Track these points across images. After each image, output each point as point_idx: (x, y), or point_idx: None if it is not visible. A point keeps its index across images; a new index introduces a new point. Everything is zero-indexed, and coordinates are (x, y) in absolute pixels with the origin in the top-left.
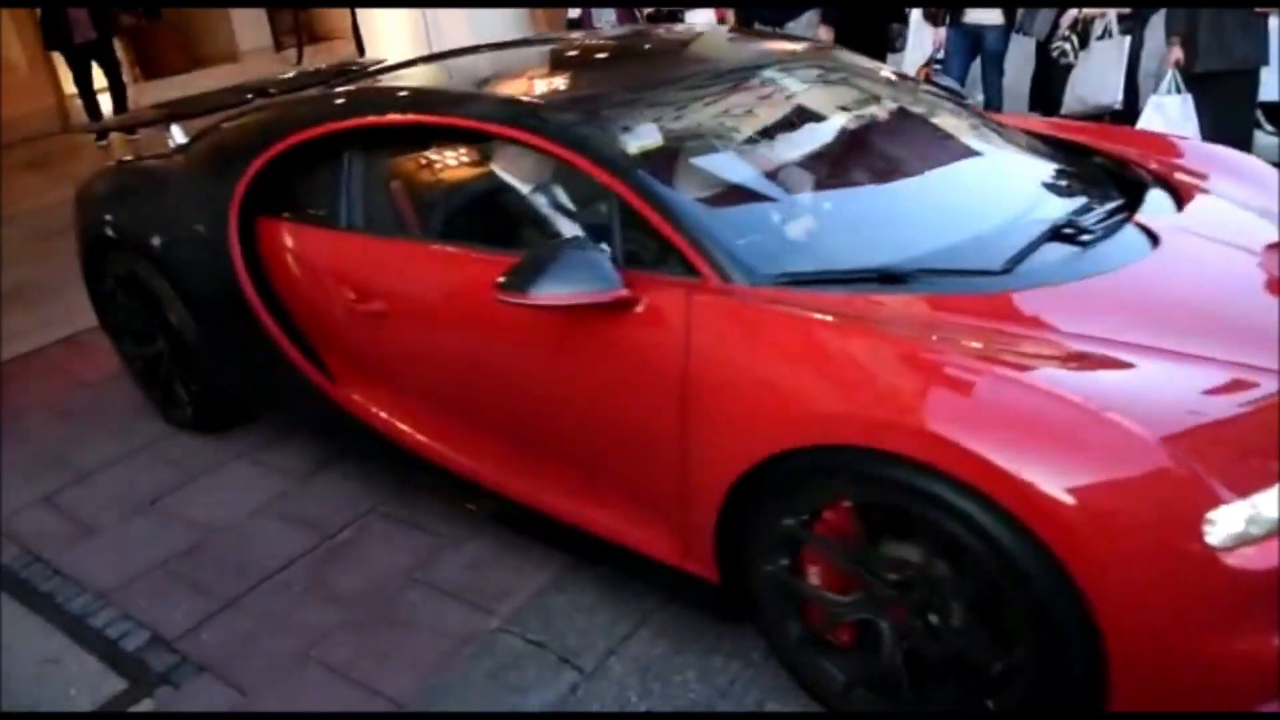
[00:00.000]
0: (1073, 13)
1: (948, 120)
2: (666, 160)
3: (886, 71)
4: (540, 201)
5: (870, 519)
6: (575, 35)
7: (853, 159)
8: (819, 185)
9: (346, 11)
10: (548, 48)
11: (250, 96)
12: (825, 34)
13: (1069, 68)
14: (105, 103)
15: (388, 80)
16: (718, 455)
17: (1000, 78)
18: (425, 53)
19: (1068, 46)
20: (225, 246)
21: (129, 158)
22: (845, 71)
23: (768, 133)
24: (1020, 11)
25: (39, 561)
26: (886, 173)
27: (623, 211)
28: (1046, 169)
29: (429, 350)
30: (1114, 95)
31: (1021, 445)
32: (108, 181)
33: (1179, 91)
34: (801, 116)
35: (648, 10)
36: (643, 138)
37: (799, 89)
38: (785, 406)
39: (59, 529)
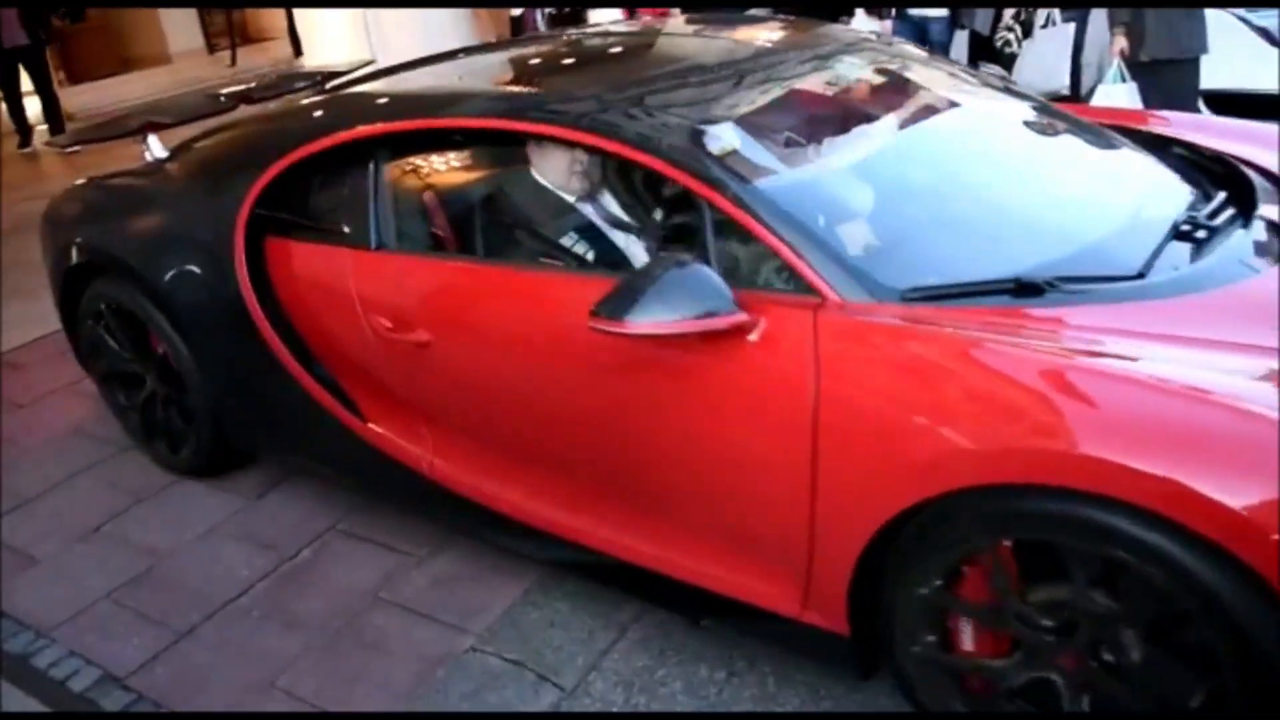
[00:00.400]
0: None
1: (1031, 113)
2: (764, 165)
3: (946, 61)
4: (612, 214)
5: (1016, 562)
6: (589, 30)
7: (956, 157)
8: (930, 187)
9: (281, 12)
10: (564, 45)
11: (227, 102)
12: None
13: (1013, 57)
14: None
15: (401, 84)
16: (856, 500)
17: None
18: (366, 54)
19: (1011, 36)
20: (230, 271)
21: (99, 174)
22: (911, 61)
23: (865, 131)
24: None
25: None
26: (994, 171)
27: (716, 223)
28: (1143, 162)
29: (486, 385)
30: (1062, 80)
31: (1214, 465)
32: (82, 201)
33: (1124, 80)
34: (893, 112)
35: (549, 10)
36: (734, 141)
37: (878, 81)
38: (936, 444)
39: None
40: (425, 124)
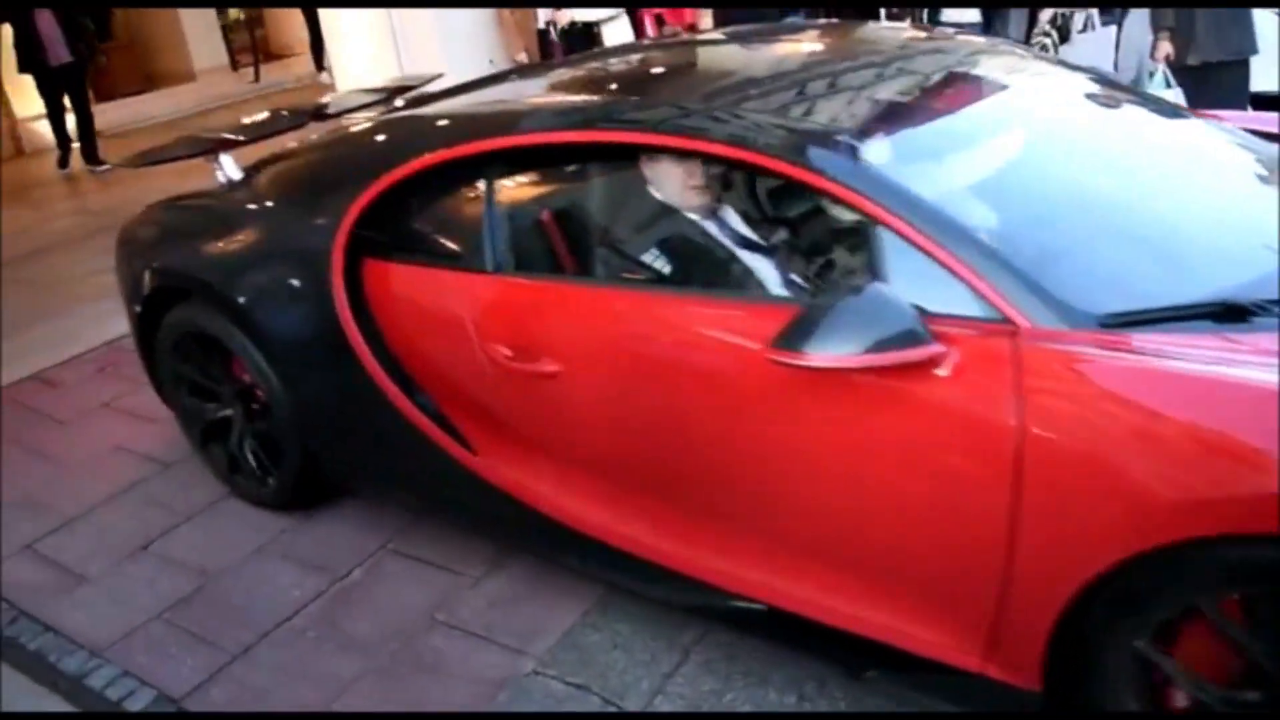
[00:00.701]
0: (1049, 11)
1: (1188, 122)
2: (932, 179)
3: (1072, 65)
4: (757, 235)
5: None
6: (671, 40)
7: (1130, 168)
8: (1109, 201)
9: (302, 29)
10: (660, 53)
11: (300, 120)
12: None
13: None
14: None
15: (498, 99)
16: (1063, 551)
17: None
18: (393, 69)
19: (1048, 41)
20: (325, 295)
21: (173, 195)
22: (1050, 68)
23: (1028, 141)
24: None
25: (25, 617)
26: (1174, 183)
27: (881, 244)
28: None
29: (622, 419)
30: None
31: None
32: (160, 224)
33: (1169, 86)
34: (1052, 120)
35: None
36: (895, 153)
37: (1024, 87)
38: (1156, 490)
39: (44, 580)
40: (544, 139)
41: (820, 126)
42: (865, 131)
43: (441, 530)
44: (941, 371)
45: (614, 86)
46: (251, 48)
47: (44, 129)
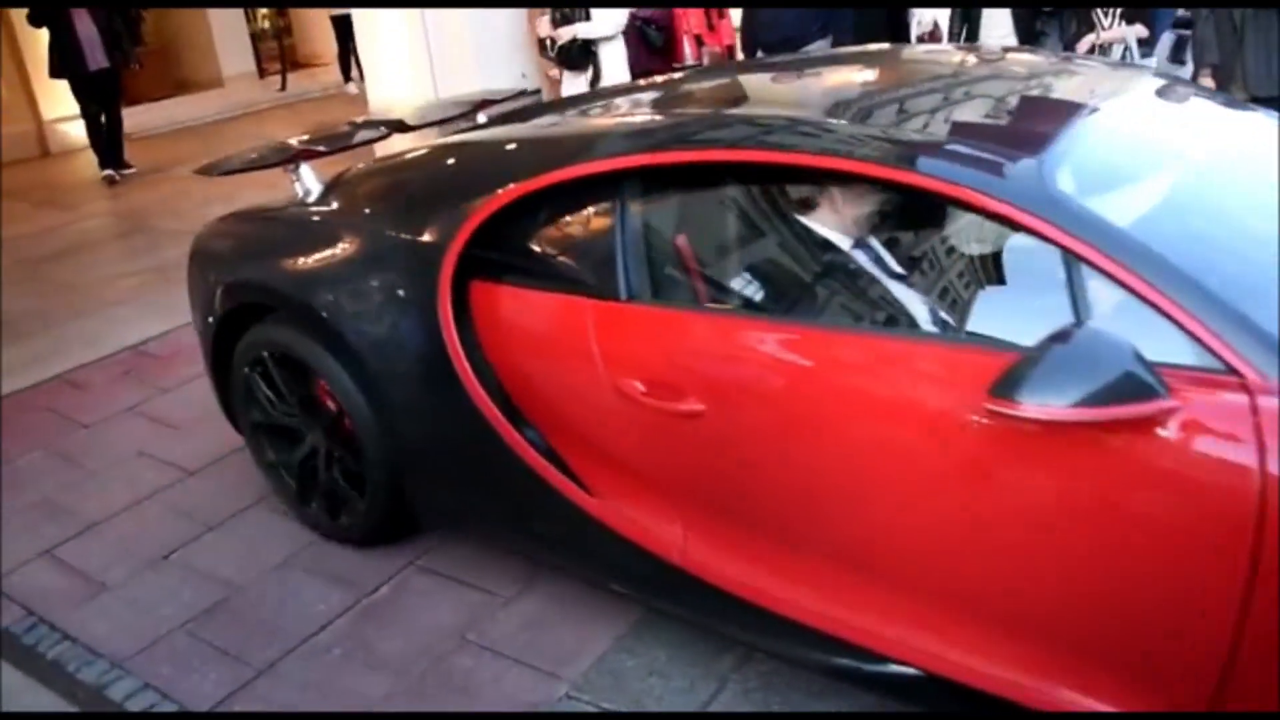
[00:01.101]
0: (1089, 39)
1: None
2: (1133, 212)
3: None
4: (947, 270)
5: None
6: (799, 57)
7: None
8: None
9: (330, 39)
10: (796, 70)
11: (385, 131)
12: None
13: None
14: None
15: (620, 112)
16: None
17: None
18: (426, 82)
19: None
20: (428, 318)
21: (255, 206)
22: (1182, 92)
23: (1197, 167)
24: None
25: (43, 624)
26: None
27: (1086, 284)
28: None
29: (777, 466)
30: None
31: None
32: (238, 237)
33: None
34: (1211, 144)
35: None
36: (1093, 185)
37: (1173, 112)
38: None
39: (64, 586)
40: (689, 157)
41: (1007, 154)
42: (1053, 158)
43: (471, 548)
44: (1169, 428)
45: (749, 106)
46: (279, 56)
47: (71, 130)
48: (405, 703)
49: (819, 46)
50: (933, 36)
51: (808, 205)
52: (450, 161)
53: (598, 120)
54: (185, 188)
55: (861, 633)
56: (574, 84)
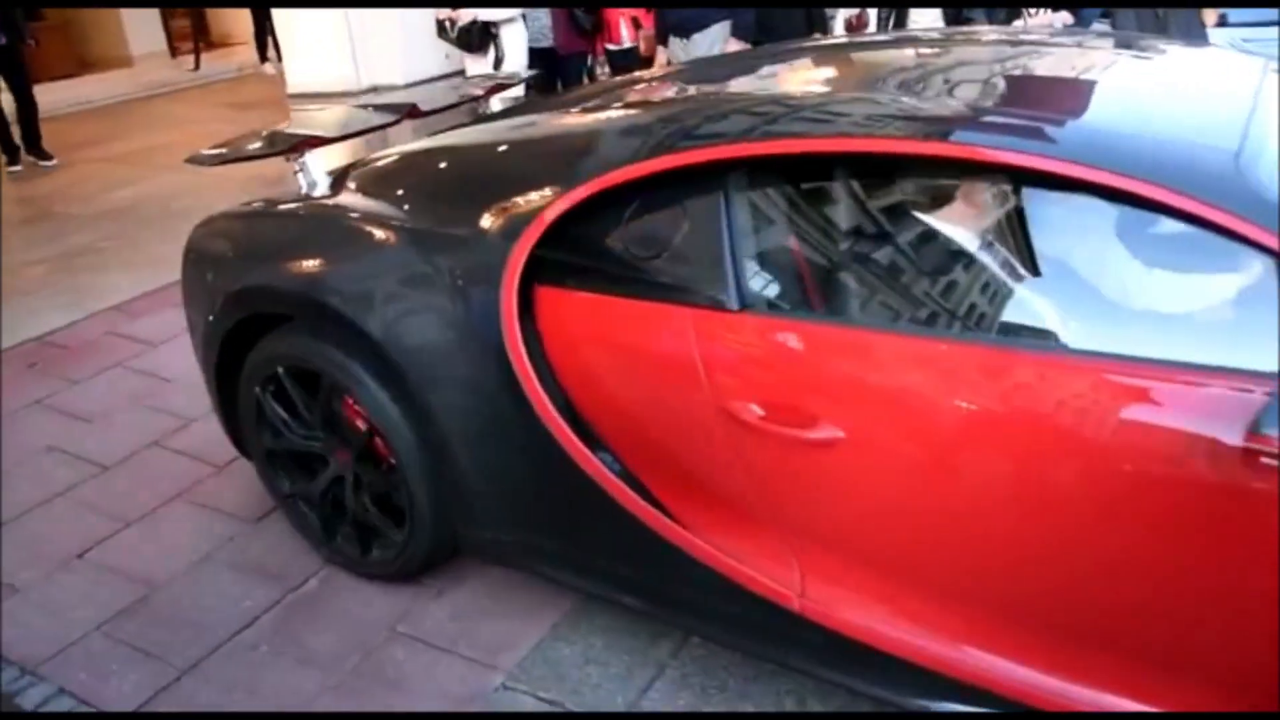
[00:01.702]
0: (1017, 24)
1: None
2: None
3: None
4: (1138, 281)
5: None
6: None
7: None
8: None
9: (246, 18)
10: (928, 47)
11: (397, 118)
12: (737, 49)
13: None
14: None
15: (722, 93)
16: None
17: None
18: (347, 63)
19: None
20: (488, 328)
21: (262, 200)
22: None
23: None
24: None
25: None
26: None
27: None
28: None
29: (945, 506)
30: None
31: None
32: (245, 236)
33: None
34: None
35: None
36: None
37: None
38: None
39: None
40: (819, 147)
41: (1209, 146)
42: (1248, 150)
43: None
44: None
45: (870, 90)
46: (192, 34)
47: None
48: (336, 698)
49: (718, 29)
50: (859, 23)
51: (965, 202)
52: (513, 150)
53: (688, 105)
54: (91, 171)
55: (1038, 696)
56: (475, 68)
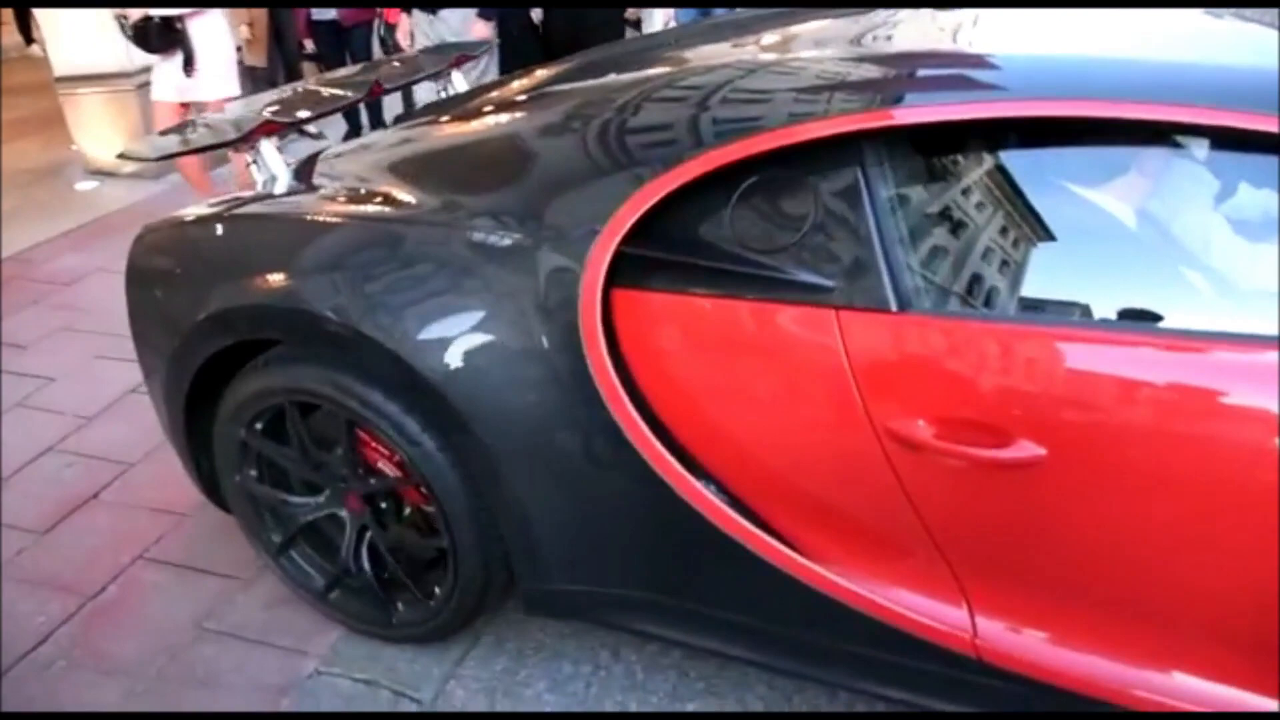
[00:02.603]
0: None
1: None
2: None
3: None
4: None
5: None
6: None
7: None
8: None
9: None
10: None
11: (360, 96)
12: (484, 31)
13: None
14: None
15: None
16: None
17: None
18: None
19: None
20: (556, 340)
21: (223, 202)
22: None
23: None
24: None
25: None
26: None
27: None
28: None
29: (1188, 535)
30: None
31: None
32: (213, 248)
33: None
34: None
35: None
36: None
37: None
38: None
39: None
40: (977, 111)
41: None
42: None
43: (202, 531)
44: None
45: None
46: None
47: None
48: (143, 704)
49: (462, 15)
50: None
51: (1177, 172)
52: (570, 127)
53: (799, 67)
54: None
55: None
56: (166, 73)
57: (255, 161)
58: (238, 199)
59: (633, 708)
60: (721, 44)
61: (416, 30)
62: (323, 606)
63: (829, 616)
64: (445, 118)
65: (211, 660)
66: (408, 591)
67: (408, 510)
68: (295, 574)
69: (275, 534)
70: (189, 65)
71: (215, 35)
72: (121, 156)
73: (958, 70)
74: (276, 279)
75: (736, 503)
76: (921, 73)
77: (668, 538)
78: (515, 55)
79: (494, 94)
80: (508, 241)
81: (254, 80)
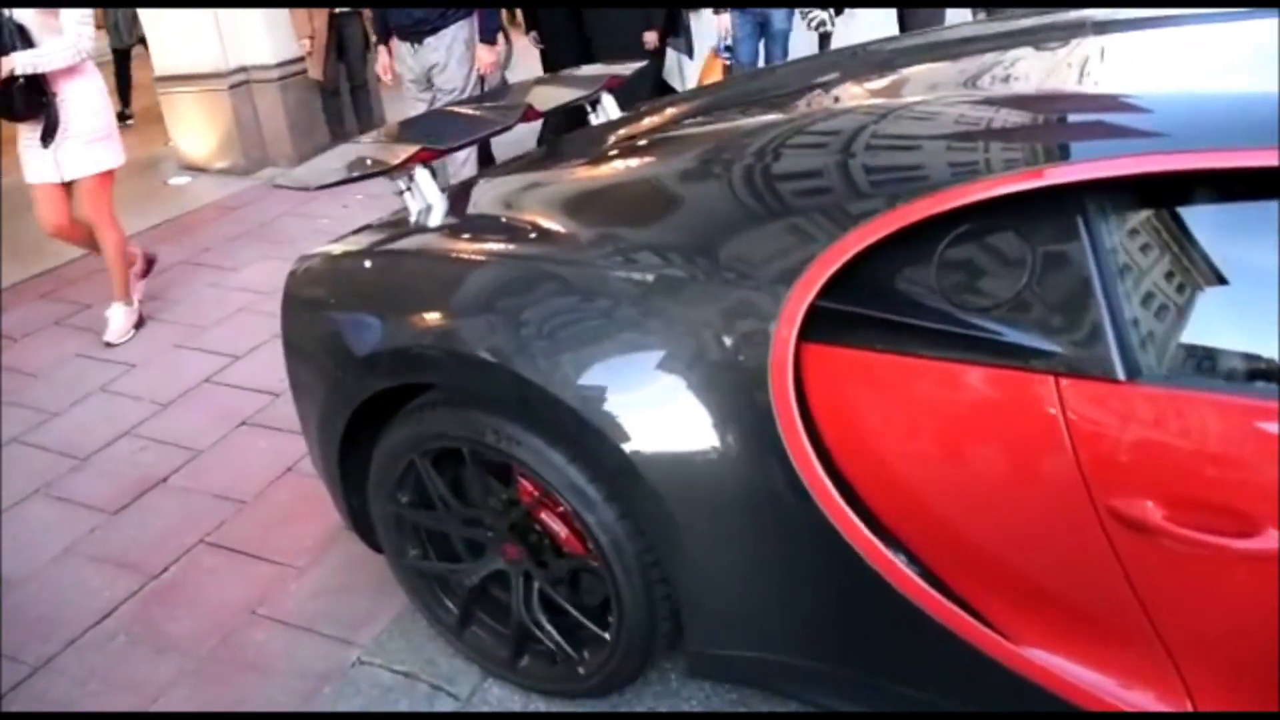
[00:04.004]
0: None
1: None
2: None
3: None
4: None
5: None
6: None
7: None
8: None
9: None
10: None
11: (510, 121)
12: (489, 57)
13: (828, 35)
14: None
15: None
16: None
17: (785, 56)
18: (212, 38)
19: (825, 16)
20: (746, 400)
21: (362, 238)
22: None
23: None
24: None
25: None
26: None
27: None
28: None
29: None
30: None
31: None
32: (378, 282)
33: None
34: None
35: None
36: None
37: None
38: None
39: None
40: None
41: None
42: None
43: (261, 518)
44: None
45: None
46: None
47: None
48: (194, 683)
49: (457, 30)
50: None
51: None
52: (766, 168)
53: (1019, 111)
54: None
55: None
56: (37, 148)
57: (409, 189)
58: (398, 229)
59: (661, 709)
60: (894, 76)
61: (399, 63)
62: (513, 677)
63: (1027, 699)
64: (606, 148)
65: (261, 645)
66: (585, 630)
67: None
68: (480, 647)
69: (451, 608)
70: (49, 136)
71: (90, 97)
72: (282, 185)
73: (1182, 117)
74: (431, 319)
75: (927, 574)
76: (1137, 120)
77: (854, 608)
78: (560, 55)
79: (654, 122)
80: (688, 287)
81: (322, 94)
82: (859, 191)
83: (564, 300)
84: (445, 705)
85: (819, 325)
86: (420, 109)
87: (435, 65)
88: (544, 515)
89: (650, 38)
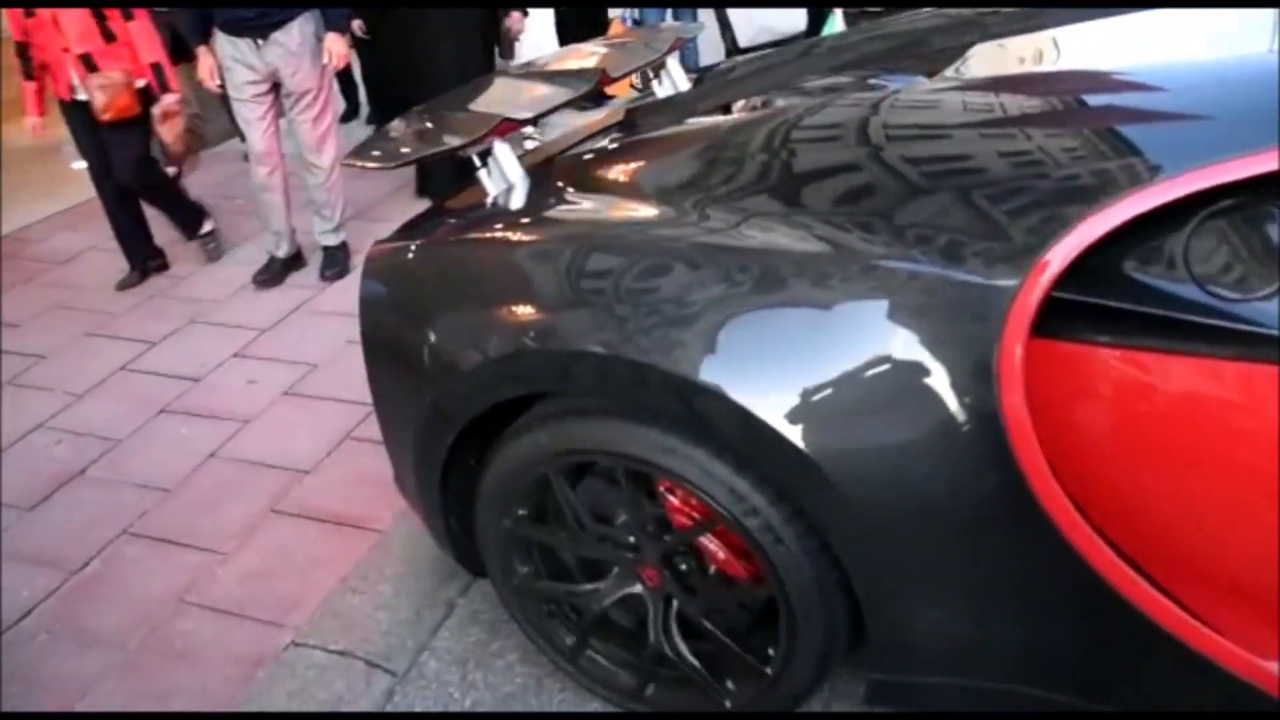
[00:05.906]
0: None
1: None
2: None
3: None
4: None
5: None
6: None
7: None
8: None
9: None
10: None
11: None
12: (340, 47)
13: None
14: None
15: None
16: None
17: (695, 18)
18: None
19: None
20: (961, 402)
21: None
22: None
23: None
24: None
25: None
26: None
27: None
28: None
29: None
30: (799, 22)
31: None
32: (482, 274)
33: None
34: None
35: None
36: None
37: None
38: None
39: None
40: None
41: None
42: None
43: (184, 507)
44: None
45: None
46: None
47: None
48: (122, 676)
49: (303, 23)
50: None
51: None
52: (968, 134)
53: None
54: None
55: None
56: None
57: (485, 166)
58: (485, 213)
59: None
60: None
61: (233, 65)
62: (636, 706)
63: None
64: (725, 111)
65: (190, 633)
66: (739, 662)
67: (713, 568)
68: (599, 674)
69: (567, 634)
70: None
71: None
72: (351, 162)
73: None
74: (563, 320)
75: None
76: None
77: (1087, 631)
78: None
79: (771, 80)
80: (895, 273)
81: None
82: (1100, 170)
83: (741, 292)
84: (382, 682)
85: (1048, 319)
86: (257, 115)
87: (284, 64)
88: (701, 536)
89: None
